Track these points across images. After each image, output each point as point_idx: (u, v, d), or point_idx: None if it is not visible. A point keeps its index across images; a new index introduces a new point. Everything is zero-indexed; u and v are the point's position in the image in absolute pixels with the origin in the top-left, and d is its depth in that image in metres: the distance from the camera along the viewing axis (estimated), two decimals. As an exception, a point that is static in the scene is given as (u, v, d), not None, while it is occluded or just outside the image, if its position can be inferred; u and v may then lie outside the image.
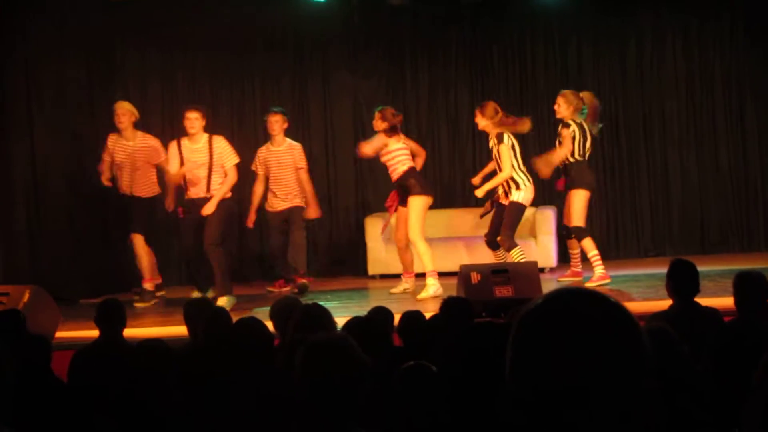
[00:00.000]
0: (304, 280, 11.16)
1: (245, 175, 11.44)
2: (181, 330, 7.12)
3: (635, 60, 13.65)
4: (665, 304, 6.29)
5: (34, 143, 11.83)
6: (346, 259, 13.42)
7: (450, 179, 13.64)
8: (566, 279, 11.13)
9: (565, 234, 11.18)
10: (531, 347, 1.70)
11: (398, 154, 10.72)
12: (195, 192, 10.66)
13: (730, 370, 4.96)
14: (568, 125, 10.56)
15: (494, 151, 10.54)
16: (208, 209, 10.54)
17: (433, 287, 10.44)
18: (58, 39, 11.93)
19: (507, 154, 10.42)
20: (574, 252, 11.09)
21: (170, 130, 12.13)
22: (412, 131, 12.60)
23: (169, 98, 13.24)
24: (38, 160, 11.85)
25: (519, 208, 10.49)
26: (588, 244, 10.63)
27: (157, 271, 11.44)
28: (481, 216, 11.00)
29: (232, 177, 10.72)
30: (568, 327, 1.68)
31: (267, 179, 11.37)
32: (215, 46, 13.23)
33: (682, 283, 6.10)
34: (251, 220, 11.43)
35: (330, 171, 13.47)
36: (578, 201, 10.64)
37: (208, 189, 10.64)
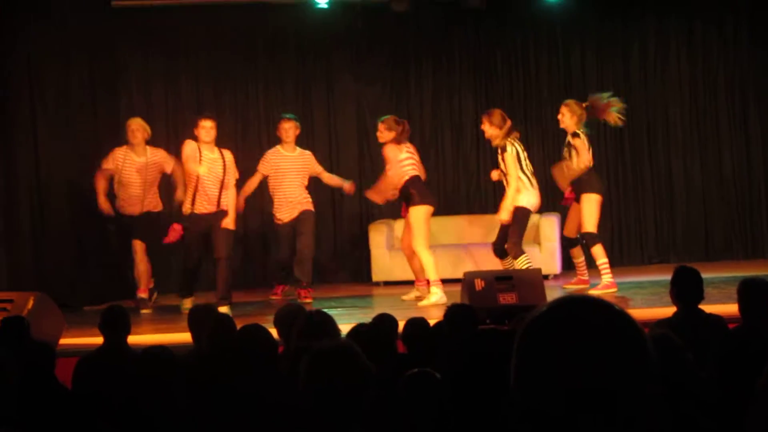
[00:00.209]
0: (307, 295, 11.13)
1: (245, 175, 11.46)
2: (184, 337, 7.13)
3: (638, 65, 13.65)
4: (669, 311, 6.28)
5: (38, 145, 11.82)
6: (350, 266, 13.42)
7: (454, 185, 13.65)
8: (572, 286, 11.11)
9: (566, 245, 11.14)
10: (536, 354, 1.70)
11: (405, 163, 10.74)
12: (204, 207, 10.60)
13: (734, 377, 4.95)
14: (577, 135, 10.55)
15: (499, 160, 10.54)
16: (230, 225, 10.59)
17: (435, 296, 10.44)
18: (61, 41, 11.94)
19: (512, 164, 10.42)
20: (579, 261, 11.07)
21: (174, 133, 12.16)
22: (415, 137, 12.60)
23: (172, 102, 13.24)
24: (41, 162, 11.84)
25: (525, 213, 10.48)
26: (599, 251, 10.59)
27: (151, 276, 11.41)
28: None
29: (234, 192, 10.79)
30: (573, 334, 1.68)
31: (269, 185, 11.28)
32: (219, 51, 13.24)
33: (686, 290, 6.09)
34: (240, 206, 11.19)
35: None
36: (590, 205, 10.60)
37: (219, 203, 10.62)
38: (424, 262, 10.61)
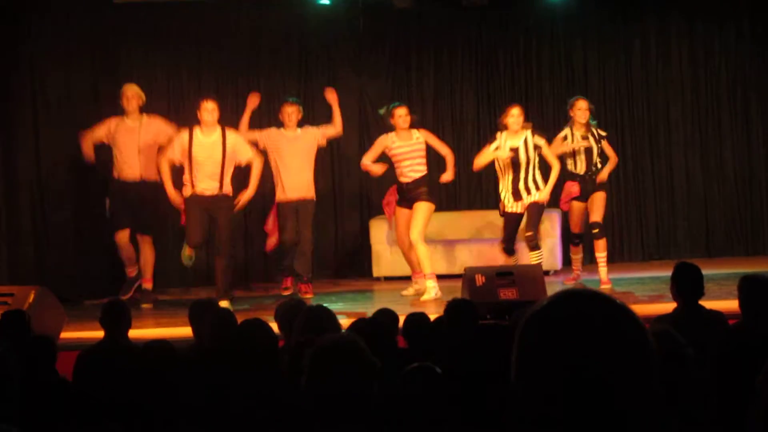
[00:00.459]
0: (307, 290, 11.10)
1: (246, 174, 11.46)
2: (185, 331, 7.13)
3: (640, 63, 13.65)
4: (670, 307, 6.29)
5: (39, 141, 11.83)
6: (351, 260, 13.42)
7: (454, 181, 13.63)
8: (571, 283, 11.12)
9: (577, 242, 11.08)
10: (536, 349, 1.70)
11: (423, 153, 10.72)
12: (205, 188, 10.53)
13: (734, 373, 4.96)
14: (605, 136, 10.72)
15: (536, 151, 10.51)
16: (244, 201, 10.60)
17: (434, 289, 10.45)
18: (63, 38, 11.95)
19: (551, 149, 10.48)
20: (578, 257, 11.13)
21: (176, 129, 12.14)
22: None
23: (174, 98, 13.22)
24: (43, 157, 11.84)
25: (543, 208, 10.51)
26: (605, 244, 10.69)
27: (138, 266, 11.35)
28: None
29: (258, 168, 10.69)
30: (574, 329, 1.69)
31: (271, 165, 11.13)
32: (221, 47, 13.23)
33: (687, 286, 6.10)
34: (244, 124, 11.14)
35: (335, 173, 13.46)
36: (605, 201, 10.77)
37: (222, 186, 10.54)
38: (423, 253, 10.60)
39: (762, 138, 13.58)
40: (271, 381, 4.72)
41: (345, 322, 6.40)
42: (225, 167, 10.49)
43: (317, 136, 11.15)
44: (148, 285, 11.14)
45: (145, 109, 11.15)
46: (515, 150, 10.33)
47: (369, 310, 7.56)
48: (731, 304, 6.41)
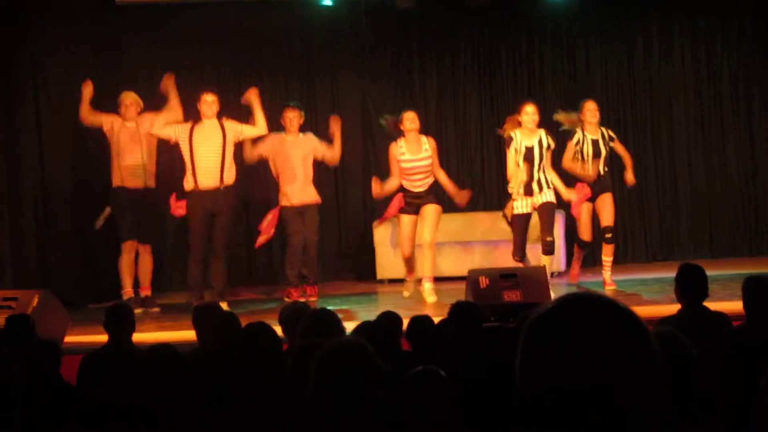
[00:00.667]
0: (312, 293, 11.09)
1: (248, 174, 11.46)
2: (189, 335, 7.13)
3: (643, 62, 13.65)
4: (674, 308, 6.28)
5: (42, 143, 11.83)
6: (355, 263, 13.41)
7: (458, 183, 13.55)
8: (575, 281, 11.13)
9: (583, 246, 11.04)
10: (541, 352, 1.70)
11: (431, 164, 10.69)
12: (206, 182, 10.55)
13: (738, 374, 4.95)
14: (615, 137, 10.78)
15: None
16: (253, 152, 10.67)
17: (434, 291, 10.52)
18: (65, 38, 11.95)
19: (564, 155, 10.56)
20: (580, 260, 11.14)
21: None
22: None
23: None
24: (46, 160, 11.85)
25: (555, 207, 10.50)
26: (613, 249, 10.71)
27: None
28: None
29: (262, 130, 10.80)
30: (578, 331, 1.69)
31: (273, 171, 11.11)
32: (223, 47, 13.23)
33: (691, 287, 6.09)
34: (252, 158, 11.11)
35: (338, 175, 13.44)
36: (613, 203, 10.74)
37: (222, 179, 10.56)
38: (433, 257, 10.64)
39: (765, 135, 13.58)
40: (275, 385, 4.71)
41: (349, 325, 6.39)
42: (225, 160, 10.54)
43: (318, 146, 11.10)
44: (147, 292, 11.10)
45: (146, 110, 11.15)
46: (530, 149, 10.27)
47: (373, 312, 7.56)
48: (735, 306, 6.42)
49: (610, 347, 1.68)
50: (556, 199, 10.37)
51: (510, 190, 10.35)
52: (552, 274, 10.81)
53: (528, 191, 10.30)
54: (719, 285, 9.61)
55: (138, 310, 10.14)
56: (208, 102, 10.58)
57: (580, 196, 10.56)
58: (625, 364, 1.67)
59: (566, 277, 11.64)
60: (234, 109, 12.66)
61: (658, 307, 8.78)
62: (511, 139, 10.30)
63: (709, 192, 13.62)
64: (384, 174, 10.91)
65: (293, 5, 13.07)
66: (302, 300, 10.53)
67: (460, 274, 10.62)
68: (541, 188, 10.29)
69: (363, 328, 5.55)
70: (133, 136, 10.84)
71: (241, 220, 12.28)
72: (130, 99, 10.89)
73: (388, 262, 12.54)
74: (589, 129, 10.61)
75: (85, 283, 11.83)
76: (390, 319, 6.20)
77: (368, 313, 9.01)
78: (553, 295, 8.93)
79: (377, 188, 10.73)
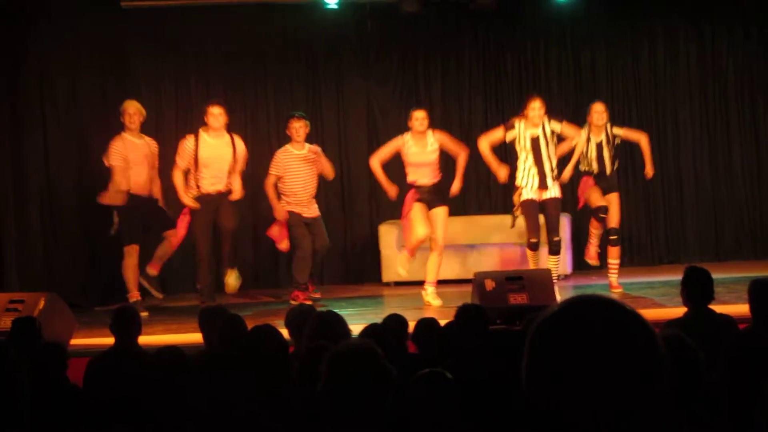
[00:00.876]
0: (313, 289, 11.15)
1: (252, 178, 11.46)
2: (195, 337, 7.14)
3: (648, 65, 13.64)
4: (680, 311, 6.28)
5: (48, 146, 11.84)
6: (360, 266, 13.41)
7: (464, 185, 13.62)
8: (594, 258, 11.16)
9: (602, 216, 10.95)
10: (547, 354, 1.70)
11: (437, 159, 10.69)
12: (210, 187, 10.58)
13: (744, 377, 4.95)
14: (619, 135, 10.74)
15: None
16: (237, 194, 10.71)
17: (437, 295, 10.54)
18: (71, 42, 11.96)
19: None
20: (598, 233, 11.12)
21: (183, 134, 12.15)
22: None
23: (182, 103, 13.23)
24: (51, 163, 11.86)
25: (560, 203, 10.49)
26: (619, 251, 10.75)
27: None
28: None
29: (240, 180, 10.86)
30: (584, 334, 1.69)
31: (280, 184, 11.19)
32: (229, 51, 13.24)
33: (697, 290, 6.09)
34: (279, 213, 11.08)
35: (344, 178, 13.45)
36: (619, 204, 10.78)
37: (227, 184, 10.65)
38: (440, 263, 10.65)
39: (770, 139, 13.59)
40: (282, 387, 4.72)
41: (355, 328, 6.40)
42: (232, 169, 10.58)
43: (320, 160, 11.16)
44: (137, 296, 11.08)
45: (152, 114, 11.16)
46: (536, 139, 10.29)
47: (379, 315, 7.56)
48: (741, 308, 6.42)
49: (616, 350, 1.68)
50: (561, 194, 10.42)
51: (518, 183, 10.39)
52: (558, 277, 10.81)
53: (542, 182, 10.27)
54: (725, 288, 9.61)
55: (144, 314, 10.03)
56: (215, 114, 10.61)
57: (583, 189, 10.71)
58: (631, 367, 1.67)
59: (572, 281, 11.64)
60: (238, 113, 12.73)
61: (665, 309, 8.78)
62: (512, 126, 10.34)
63: (715, 195, 13.61)
64: (390, 175, 10.94)
65: (298, 9, 13.07)
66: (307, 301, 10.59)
67: (465, 277, 10.61)
68: (547, 182, 10.28)
69: (370, 330, 5.55)
70: (137, 147, 10.81)
71: (248, 225, 12.30)
72: (133, 108, 10.84)
73: (393, 265, 12.53)
74: (595, 131, 10.60)
75: (91, 285, 11.84)
76: (396, 321, 6.21)
77: (374, 315, 9.00)
78: (558, 298, 8.94)
79: (390, 189, 10.79)
